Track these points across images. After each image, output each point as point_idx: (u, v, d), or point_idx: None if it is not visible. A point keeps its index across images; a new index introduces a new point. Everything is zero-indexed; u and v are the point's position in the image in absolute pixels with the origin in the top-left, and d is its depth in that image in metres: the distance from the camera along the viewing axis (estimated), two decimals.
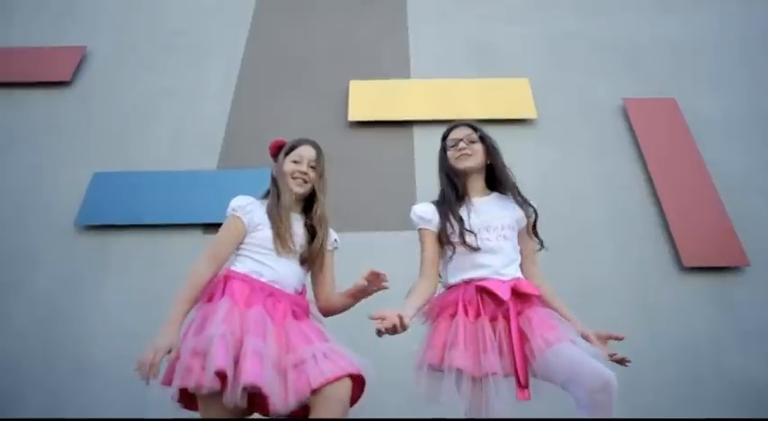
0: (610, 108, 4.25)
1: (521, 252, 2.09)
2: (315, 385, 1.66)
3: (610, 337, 2.02)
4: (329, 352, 1.76)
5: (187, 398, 1.81)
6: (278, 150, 2.15)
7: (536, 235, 2.11)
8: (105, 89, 4.36)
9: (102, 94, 4.33)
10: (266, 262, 1.92)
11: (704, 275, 3.42)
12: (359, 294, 1.98)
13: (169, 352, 1.71)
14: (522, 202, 2.10)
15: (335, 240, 2.14)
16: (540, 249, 2.12)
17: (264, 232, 1.96)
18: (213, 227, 3.56)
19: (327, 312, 2.08)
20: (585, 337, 1.93)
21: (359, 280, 1.91)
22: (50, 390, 3.00)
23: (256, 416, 1.87)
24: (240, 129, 4.11)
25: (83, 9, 4.92)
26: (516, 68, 4.44)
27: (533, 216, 2.10)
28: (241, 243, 1.99)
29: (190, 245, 3.49)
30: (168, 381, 1.77)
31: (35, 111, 4.22)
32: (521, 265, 2.09)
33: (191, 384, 1.66)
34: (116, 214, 3.64)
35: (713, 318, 3.25)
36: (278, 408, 1.67)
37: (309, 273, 2.09)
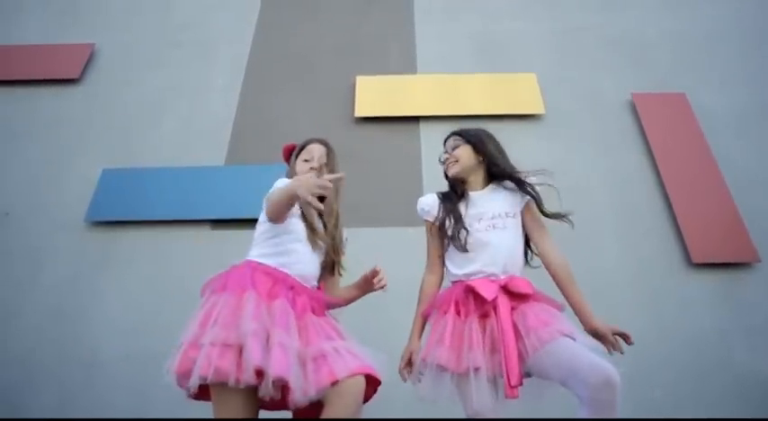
0: (618, 103, 4.22)
1: (529, 231, 2.08)
2: (340, 376, 1.67)
3: (619, 334, 1.90)
4: (350, 348, 1.79)
5: (200, 387, 1.80)
6: (289, 154, 2.17)
7: (546, 215, 2.06)
8: (113, 86, 4.38)
9: (110, 90, 4.36)
10: (295, 250, 1.92)
11: (713, 272, 3.38)
12: (365, 286, 2.04)
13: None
14: (519, 185, 2.06)
15: (346, 239, 2.14)
16: (569, 223, 2.04)
17: (298, 221, 1.96)
18: (221, 222, 3.60)
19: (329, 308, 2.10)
20: (592, 332, 1.88)
21: (363, 279, 2.00)
22: (60, 385, 3.03)
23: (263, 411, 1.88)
24: (247, 125, 4.12)
25: (90, 6, 4.94)
26: (523, 63, 4.42)
27: (533, 198, 2.05)
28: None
29: (198, 240, 3.52)
30: (185, 371, 1.71)
31: (44, 108, 4.25)
32: (532, 245, 2.08)
33: (229, 379, 1.66)
34: (125, 210, 3.66)
35: (721, 316, 3.23)
36: (298, 400, 1.68)
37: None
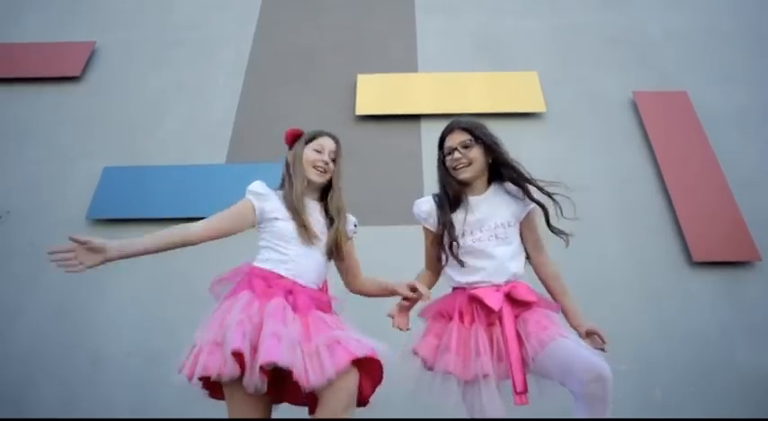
0: (619, 101, 4.22)
1: (525, 242, 2.05)
2: (360, 355, 1.68)
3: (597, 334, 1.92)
4: (353, 335, 1.80)
5: (213, 386, 1.83)
6: (294, 138, 2.14)
7: (554, 231, 2.04)
8: (114, 84, 4.39)
9: (112, 88, 4.36)
10: (290, 253, 1.93)
11: (714, 270, 3.39)
12: (392, 294, 2.04)
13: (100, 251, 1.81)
14: (529, 198, 2.03)
15: (355, 225, 2.14)
16: (565, 242, 2.05)
17: (286, 224, 1.97)
18: None
19: (358, 293, 2.15)
20: (578, 331, 1.91)
21: (401, 287, 1.98)
22: (62, 383, 3.04)
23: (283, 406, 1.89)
24: (248, 124, 4.12)
25: (91, 4, 4.94)
26: (525, 62, 4.42)
27: (543, 213, 2.04)
28: (262, 229, 2.02)
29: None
30: (192, 375, 1.74)
31: (45, 106, 4.26)
32: (528, 257, 2.06)
33: (212, 373, 1.68)
34: (126, 208, 3.67)
35: (723, 314, 3.23)
36: (312, 383, 1.66)
37: (334, 264, 2.10)
